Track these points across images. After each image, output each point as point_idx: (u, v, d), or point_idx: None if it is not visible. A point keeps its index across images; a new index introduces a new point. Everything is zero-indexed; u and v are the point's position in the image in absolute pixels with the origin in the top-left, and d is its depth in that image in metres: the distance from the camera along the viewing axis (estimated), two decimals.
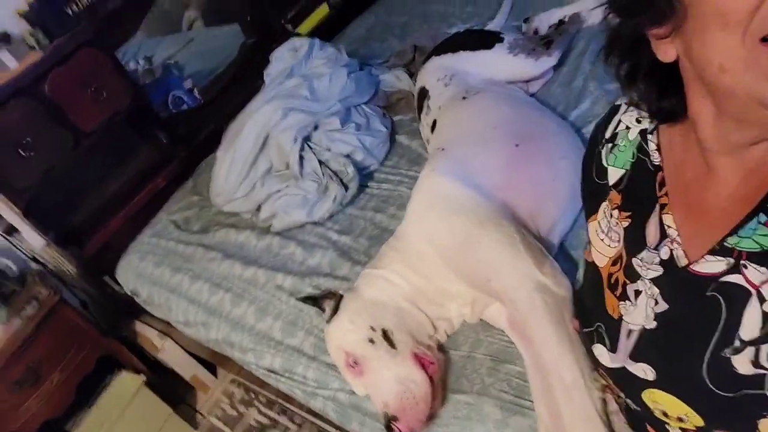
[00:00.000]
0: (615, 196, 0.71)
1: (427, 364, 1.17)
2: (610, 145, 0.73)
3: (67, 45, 1.89)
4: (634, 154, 0.70)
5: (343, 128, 1.87)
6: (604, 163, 0.74)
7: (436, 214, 1.27)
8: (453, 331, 1.28)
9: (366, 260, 1.49)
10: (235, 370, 1.82)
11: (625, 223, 0.69)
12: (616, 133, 0.73)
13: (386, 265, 1.31)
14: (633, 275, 0.67)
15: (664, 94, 0.59)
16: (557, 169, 1.33)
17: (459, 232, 1.21)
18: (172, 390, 2.22)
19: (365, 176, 1.84)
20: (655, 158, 0.67)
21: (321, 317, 1.40)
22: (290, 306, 1.55)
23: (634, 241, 0.67)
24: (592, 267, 0.75)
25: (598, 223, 0.74)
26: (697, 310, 0.59)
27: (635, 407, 0.69)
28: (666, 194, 0.64)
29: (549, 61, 1.72)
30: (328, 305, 1.34)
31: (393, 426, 1.10)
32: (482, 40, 1.79)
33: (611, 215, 0.72)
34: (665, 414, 0.64)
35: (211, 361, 2.13)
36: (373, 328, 1.21)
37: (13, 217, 1.96)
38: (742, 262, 0.55)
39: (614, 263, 0.71)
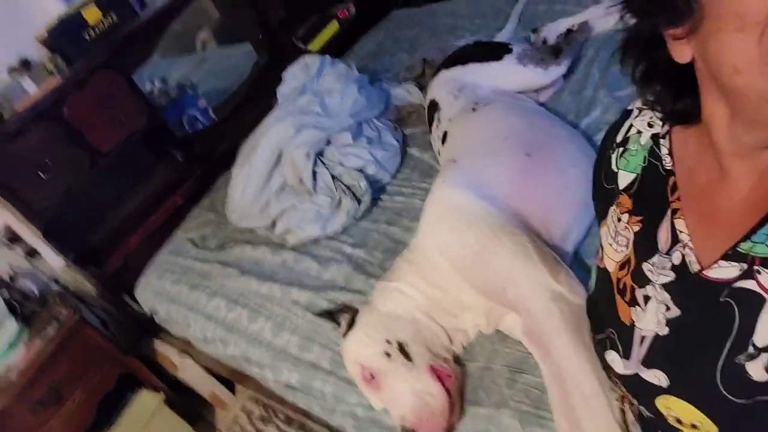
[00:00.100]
0: (625, 201, 0.71)
1: (444, 376, 1.17)
2: (621, 149, 0.73)
3: (84, 69, 1.95)
4: (645, 158, 0.70)
5: (354, 143, 1.89)
6: (614, 167, 0.74)
7: (448, 226, 1.27)
8: (469, 343, 1.27)
9: (380, 273, 1.50)
10: (254, 387, 1.82)
11: (636, 228, 0.69)
12: (628, 138, 0.73)
13: (401, 277, 1.32)
14: (641, 280, 0.66)
15: (680, 95, 0.59)
16: (569, 178, 1.33)
17: (473, 242, 1.21)
18: (191, 408, 2.22)
19: (378, 189, 1.85)
20: (667, 162, 0.66)
21: (337, 331, 1.40)
22: (306, 321, 1.55)
23: (646, 246, 0.67)
24: (603, 273, 0.75)
25: (608, 227, 0.74)
26: (710, 317, 0.58)
27: (648, 414, 0.69)
28: (678, 199, 0.64)
29: (558, 70, 1.73)
30: (344, 319, 1.34)
31: None
32: (491, 51, 1.81)
33: (619, 219, 0.72)
34: (679, 421, 0.63)
35: (230, 379, 2.14)
36: (388, 341, 1.21)
37: (34, 239, 2.00)
38: (755, 267, 0.54)
39: (621, 267, 0.70)
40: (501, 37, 2.11)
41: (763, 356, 0.53)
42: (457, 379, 1.19)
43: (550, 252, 1.18)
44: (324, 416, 1.45)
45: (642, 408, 0.70)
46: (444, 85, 1.77)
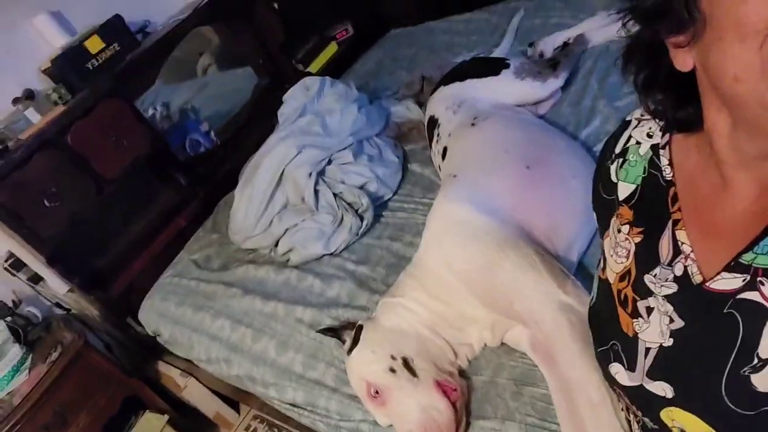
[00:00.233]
0: (626, 212, 0.71)
1: (450, 391, 1.16)
2: (620, 160, 0.73)
3: (88, 98, 1.97)
4: (645, 169, 0.69)
5: (355, 161, 1.90)
6: (613, 178, 0.73)
7: (452, 241, 1.27)
8: (474, 356, 1.26)
9: (384, 289, 1.49)
10: (258, 405, 1.81)
11: (637, 239, 0.68)
12: (627, 148, 0.72)
13: (404, 292, 1.31)
14: (643, 291, 0.66)
15: (681, 103, 0.58)
16: (570, 189, 1.33)
17: (477, 257, 1.20)
18: (196, 428, 2.21)
19: (380, 206, 1.86)
20: (668, 173, 0.66)
21: (341, 348, 1.39)
22: (310, 339, 1.55)
23: (647, 257, 0.66)
24: (605, 284, 0.74)
25: (610, 239, 0.74)
26: (714, 328, 0.58)
27: (653, 426, 0.68)
28: (679, 209, 0.63)
29: (556, 82, 1.74)
30: (348, 336, 1.34)
31: None
32: (489, 66, 1.82)
33: (618, 230, 0.71)
34: None
35: (234, 398, 2.13)
36: (393, 357, 1.20)
37: (38, 266, 2.00)
38: (758, 278, 0.53)
39: (621, 279, 0.70)
40: (498, 52, 2.13)
41: None
42: (463, 394, 1.18)
43: (556, 263, 1.17)
44: None
45: (646, 419, 0.69)
46: (443, 101, 1.78)
